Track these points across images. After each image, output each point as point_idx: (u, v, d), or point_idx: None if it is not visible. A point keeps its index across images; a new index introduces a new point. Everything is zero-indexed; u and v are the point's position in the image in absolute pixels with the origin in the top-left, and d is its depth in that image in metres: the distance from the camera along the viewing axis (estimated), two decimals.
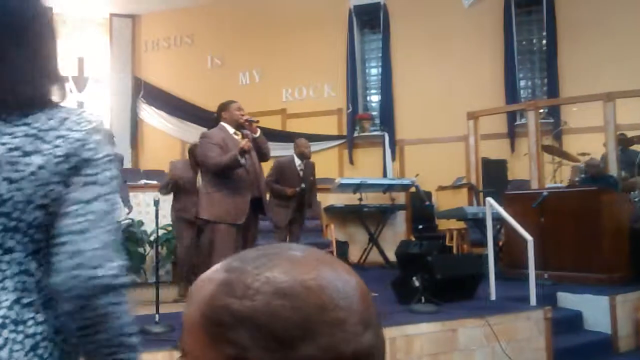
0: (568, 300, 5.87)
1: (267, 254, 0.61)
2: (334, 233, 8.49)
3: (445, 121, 10.22)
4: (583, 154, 8.51)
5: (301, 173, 6.57)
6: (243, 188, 4.63)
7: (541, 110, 9.01)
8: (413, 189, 8.32)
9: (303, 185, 6.44)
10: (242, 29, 11.97)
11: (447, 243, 8.13)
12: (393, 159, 10.70)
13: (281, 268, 0.59)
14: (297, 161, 6.60)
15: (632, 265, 6.42)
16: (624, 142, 8.34)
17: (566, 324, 5.52)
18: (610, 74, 9.73)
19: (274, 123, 11.04)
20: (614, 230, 6.41)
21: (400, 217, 9.29)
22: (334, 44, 11.37)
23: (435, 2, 11.05)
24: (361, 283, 0.62)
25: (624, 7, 10.22)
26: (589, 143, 8.83)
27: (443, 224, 8.50)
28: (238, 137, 4.70)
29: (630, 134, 8.48)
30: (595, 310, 5.73)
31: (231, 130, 4.75)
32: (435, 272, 5.11)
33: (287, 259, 0.60)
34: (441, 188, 9.29)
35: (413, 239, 8.32)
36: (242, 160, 4.41)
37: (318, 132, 11.01)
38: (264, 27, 11.76)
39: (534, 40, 11.32)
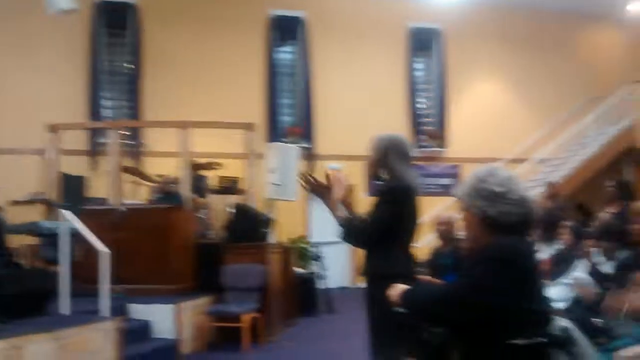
0: (138, 310, 6.21)
1: None
2: None
3: (22, 132, 9.59)
4: (160, 175, 9.12)
5: None
6: None
7: (123, 132, 9.28)
8: None
9: None
10: None
11: (18, 259, 7.57)
12: None
13: None
14: None
15: (197, 276, 7.18)
16: (195, 167, 9.30)
17: (136, 333, 5.82)
18: (189, 103, 10.82)
19: None
20: (182, 244, 7.10)
21: None
22: None
23: (21, 3, 10.35)
24: None
25: (204, 42, 11.54)
26: (166, 166, 9.53)
27: (16, 240, 7.89)
28: None
29: (201, 160, 9.52)
30: (162, 318, 6.23)
31: None
32: (1, 288, 4.77)
33: None
34: (15, 202, 8.62)
35: None
36: None
37: None
38: None
39: (122, 63, 11.65)
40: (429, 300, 2.07)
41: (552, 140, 12.64)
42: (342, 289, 11.01)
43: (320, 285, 9.07)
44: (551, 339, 1.93)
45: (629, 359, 2.61)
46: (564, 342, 1.95)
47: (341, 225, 3.11)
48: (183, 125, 8.24)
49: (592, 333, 3.38)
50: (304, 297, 8.71)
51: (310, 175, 3.29)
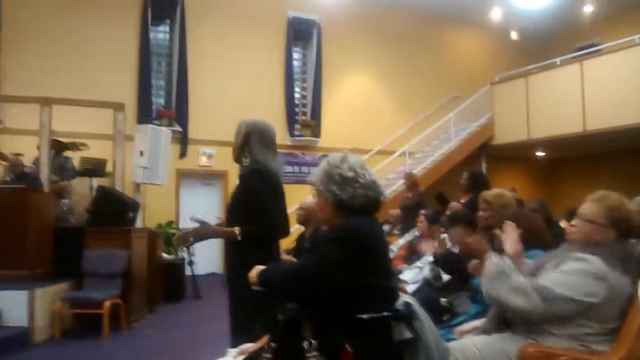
0: None
1: None
2: None
3: None
4: (17, 154, 8.50)
5: None
6: None
7: None
8: None
9: None
10: None
11: None
12: None
13: None
14: None
15: (55, 261, 6.80)
16: (57, 147, 8.78)
17: None
18: (51, 79, 10.15)
19: None
20: (40, 228, 6.67)
21: None
22: None
23: None
24: None
25: (69, 19, 10.86)
26: (24, 144, 8.91)
27: None
28: None
29: (65, 140, 9.00)
30: (14, 305, 5.85)
31: None
32: None
33: None
34: None
35: None
36: None
37: None
38: None
39: None
40: (283, 277, 2.16)
41: (418, 135, 13.38)
42: (211, 275, 10.95)
43: (188, 271, 8.95)
44: (394, 313, 2.09)
45: (466, 333, 2.88)
46: (407, 316, 2.11)
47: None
48: (45, 101, 7.75)
49: (438, 311, 3.67)
50: (170, 283, 8.57)
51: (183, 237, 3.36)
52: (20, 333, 5.73)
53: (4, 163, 8.60)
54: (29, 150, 8.63)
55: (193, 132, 11.76)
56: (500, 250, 2.55)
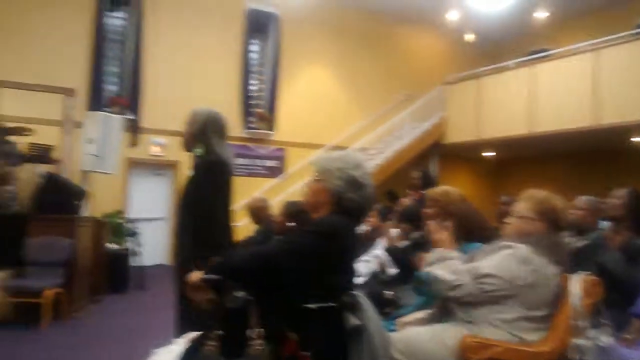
0: None
1: None
2: None
3: None
4: None
5: None
6: None
7: None
8: None
9: None
10: None
11: None
12: None
13: None
14: None
15: None
16: (2, 132, 8.49)
17: None
18: (7, 66, 9.81)
19: None
20: None
21: None
22: None
23: None
24: None
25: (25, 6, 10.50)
26: None
27: None
28: None
29: (9, 124, 8.71)
30: None
31: None
32: None
33: None
34: None
35: None
36: None
37: None
38: None
39: None
40: (249, 257, 2.16)
41: (372, 131, 13.51)
42: (158, 266, 10.81)
43: (134, 261, 8.83)
44: (340, 304, 2.14)
45: (408, 324, 2.96)
46: (352, 306, 2.17)
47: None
48: None
49: (382, 303, 3.74)
50: (114, 273, 8.44)
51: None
52: None
53: None
54: None
55: (145, 121, 11.57)
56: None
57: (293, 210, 4.63)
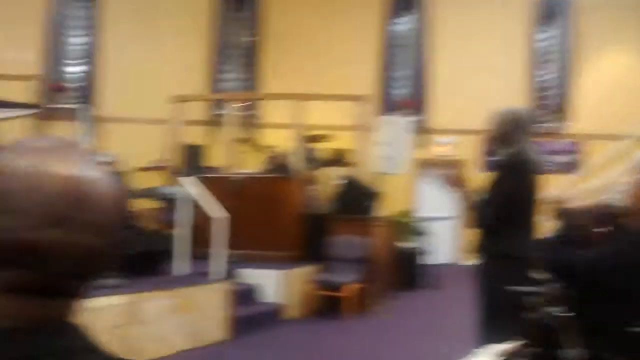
0: (247, 275, 6.43)
1: None
2: None
3: (149, 102, 10.16)
4: (270, 147, 9.31)
5: None
6: None
7: (241, 104, 9.60)
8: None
9: None
10: None
11: (138, 222, 8.10)
12: (91, 134, 10.21)
13: None
14: None
15: (304, 245, 7.31)
16: (307, 139, 9.42)
17: (244, 296, 6.06)
18: (302, 76, 10.96)
19: None
20: (292, 214, 7.26)
21: None
22: (32, 5, 10.38)
23: None
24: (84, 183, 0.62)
25: (319, 16, 11.60)
26: (278, 137, 9.73)
27: (139, 204, 8.45)
28: None
29: (312, 132, 9.62)
30: (269, 283, 6.43)
31: None
32: (124, 248, 5.11)
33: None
34: (140, 169, 9.21)
35: None
36: None
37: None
38: None
39: (241, 37, 12.01)
40: (581, 263, 1.98)
41: None
42: (449, 265, 10.78)
43: (424, 260, 8.94)
44: None
45: None
46: None
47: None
48: (297, 97, 8.37)
49: None
50: (405, 271, 8.63)
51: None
52: (274, 309, 6.29)
53: (264, 154, 9.50)
54: (281, 142, 9.37)
55: (432, 121, 11.70)
56: None
57: (606, 214, 4.10)
